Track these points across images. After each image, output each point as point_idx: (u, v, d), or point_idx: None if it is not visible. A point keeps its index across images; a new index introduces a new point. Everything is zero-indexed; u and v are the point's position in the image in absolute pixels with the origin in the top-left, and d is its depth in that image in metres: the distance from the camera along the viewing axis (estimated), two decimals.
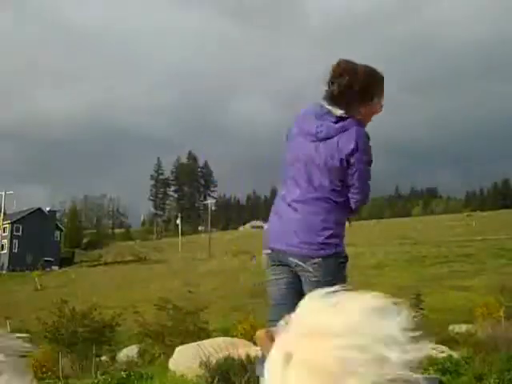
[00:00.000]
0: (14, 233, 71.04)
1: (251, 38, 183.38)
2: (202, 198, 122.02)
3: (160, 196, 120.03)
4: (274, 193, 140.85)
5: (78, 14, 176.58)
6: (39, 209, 75.75)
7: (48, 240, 71.68)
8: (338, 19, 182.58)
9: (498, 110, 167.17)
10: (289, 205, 3.05)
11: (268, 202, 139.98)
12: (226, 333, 16.79)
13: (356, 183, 3.01)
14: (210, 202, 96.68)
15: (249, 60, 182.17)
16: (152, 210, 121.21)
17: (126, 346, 17.54)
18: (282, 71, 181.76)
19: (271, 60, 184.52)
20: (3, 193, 63.99)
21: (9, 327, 29.24)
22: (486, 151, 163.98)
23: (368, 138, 3.01)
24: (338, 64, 3.00)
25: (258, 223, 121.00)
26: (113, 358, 15.22)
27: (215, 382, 6.52)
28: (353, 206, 3.08)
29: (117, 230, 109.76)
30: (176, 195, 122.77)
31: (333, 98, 2.98)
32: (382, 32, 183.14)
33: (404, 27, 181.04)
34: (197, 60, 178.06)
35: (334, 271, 2.97)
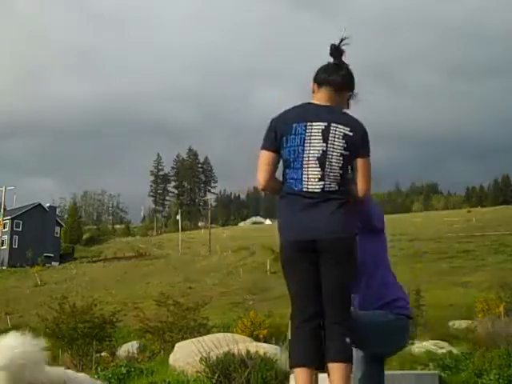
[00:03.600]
0: (14, 228, 70.99)
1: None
2: (202, 194, 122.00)
3: (160, 192, 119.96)
4: None
5: None
6: (39, 204, 75.68)
7: (48, 236, 71.65)
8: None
9: (499, 107, 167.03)
10: None
11: (268, 198, 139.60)
12: (226, 328, 16.82)
13: None
14: (210, 197, 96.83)
15: (244, 57, 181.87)
16: (152, 205, 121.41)
17: (127, 342, 17.57)
18: (284, 68, 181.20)
19: (272, 54, 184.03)
20: (3, 188, 63.95)
21: (9, 323, 29.27)
22: (488, 147, 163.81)
23: None
24: None
25: (258, 219, 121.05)
26: (113, 354, 15.23)
27: (215, 377, 6.52)
28: None
29: (117, 226, 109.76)
30: (176, 191, 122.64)
31: None
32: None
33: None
34: (194, 58, 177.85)
35: None
